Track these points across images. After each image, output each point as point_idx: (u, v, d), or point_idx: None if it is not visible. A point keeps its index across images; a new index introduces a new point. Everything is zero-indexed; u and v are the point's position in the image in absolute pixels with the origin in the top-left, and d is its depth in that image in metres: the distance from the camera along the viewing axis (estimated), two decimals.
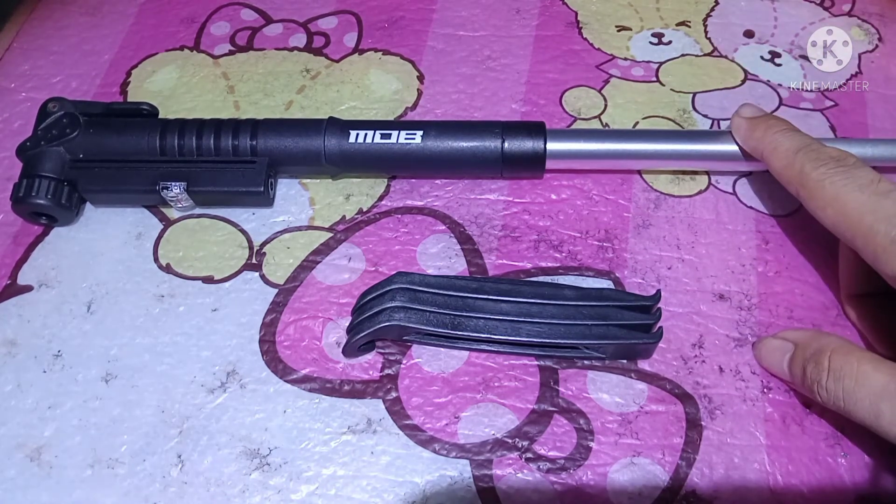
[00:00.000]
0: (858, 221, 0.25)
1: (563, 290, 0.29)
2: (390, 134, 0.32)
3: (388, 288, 0.29)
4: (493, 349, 0.29)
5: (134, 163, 0.32)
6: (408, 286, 0.29)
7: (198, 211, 0.33)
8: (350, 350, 0.29)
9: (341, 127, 0.32)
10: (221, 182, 0.31)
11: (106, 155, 0.32)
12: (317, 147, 0.32)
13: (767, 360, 0.28)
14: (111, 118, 0.33)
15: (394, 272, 0.30)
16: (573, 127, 0.36)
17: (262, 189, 0.31)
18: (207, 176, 0.31)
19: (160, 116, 0.34)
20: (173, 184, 0.31)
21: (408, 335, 0.29)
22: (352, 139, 0.32)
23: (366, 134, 0.32)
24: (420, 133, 0.32)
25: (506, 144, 0.31)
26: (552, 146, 0.32)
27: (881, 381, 0.23)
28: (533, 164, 0.32)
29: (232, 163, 0.32)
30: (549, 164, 0.32)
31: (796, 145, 0.28)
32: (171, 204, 0.32)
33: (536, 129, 0.32)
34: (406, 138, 0.32)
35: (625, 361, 0.29)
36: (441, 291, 0.28)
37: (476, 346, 0.29)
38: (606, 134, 0.34)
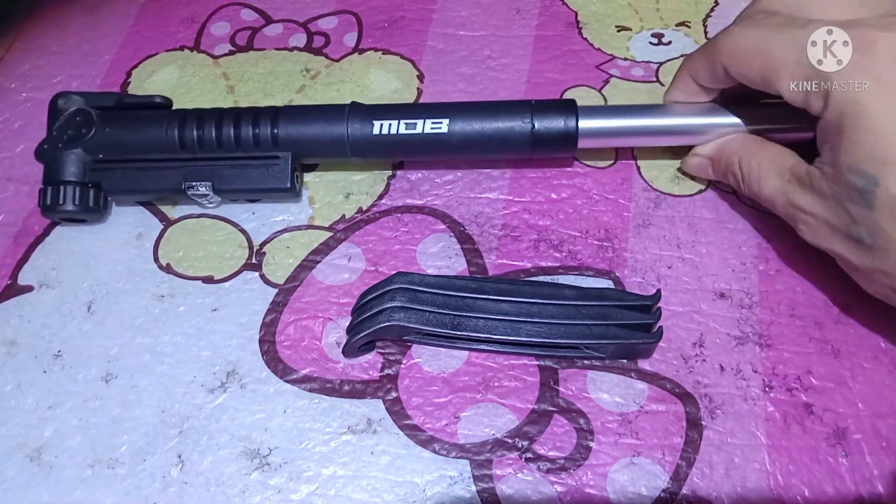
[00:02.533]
0: (780, 60, 0.26)
1: (563, 290, 0.29)
2: (415, 124, 0.31)
3: (388, 288, 0.29)
4: (493, 349, 0.29)
5: (155, 161, 0.31)
6: (407, 286, 0.29)
7: (197, 211, 0.33)
8: (350, 350, 0.29)
9: (364, 115, 0.31)
10: (248, 180, 0.31)
11: (125, 152, 0.32)
12: (340, 134, 0.31)
13: (696, 173, 0.33)
14: (125, 112, 0.32)
15: (394, 272, 0.30)
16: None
17: (288, 185, 0.31)
18: (233, 174, 0.31)
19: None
20: (199, 183, 0.31)
21: (408, 335, 0.29)
22: (376, 130, 0.31)
23: (390, 124, 0.31)
24: (446, 121, 0.31)
25: (536, 124, 0.31)
26: (584, 124, 0.31)
27: (774, 183, 0.28)
28: (565, 143, 0.31)
29: (256, 158, 0.31)
30: (582, 143, 0.31)
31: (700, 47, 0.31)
32: (198, 202, 0.32)
33: (568, 107, 0.31)
34: (432, 127, 0.31)
35: (625, 361, 0.29)
36: (441, 291, 0.28)
37: (476, 346, 0.29)
38: (639, 110, 0.32)
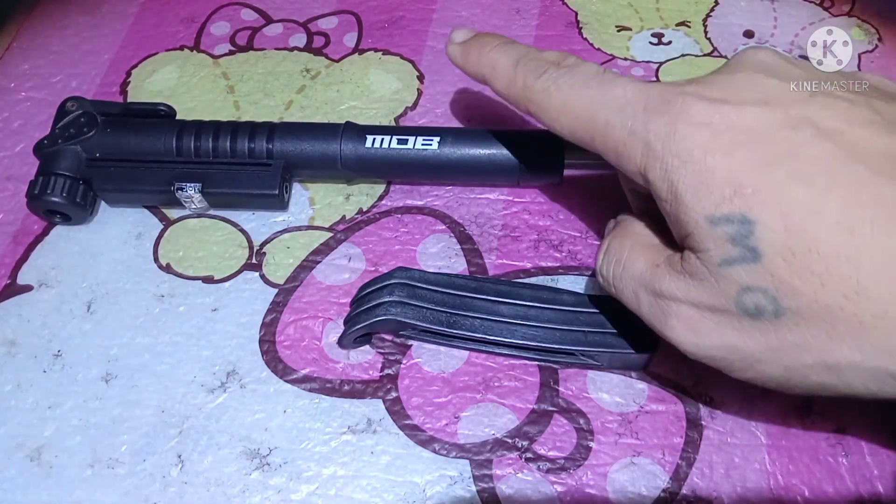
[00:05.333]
0: (593, 119, 0.23)
1: (563, 296, 0.29)
2: (407, 140, 0.32)
3: (388, 282, 0.29)
4: (488, 350, 0.29)
5: (150, 163, 0.32)
6: (407, 281, 0.29)
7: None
8: (346, 341, 0.29)
9: (358, 131, 0.32)
10: (236, 184, 0.31)
11: (122, 154, 0.32)
12: (333, 151, 0.32)
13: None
14: (129, 118, 0.33)
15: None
16: None
17: (276, 192, 0.31)
18: (222, 177, 0.31)
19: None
20: (188, 185, 0.31)
21: (404, 330, 0.29)
22: (368, 144, 0.32)
23: (382, 139, 0.32)
24: (437, 139, 0.32)
25: (523, 152, 0.31)
26: (571, 152, 0.31)
27: (640, 269, 0.23)
28: (551, 171, 0.32)
29: (247, 165, 0.32)
30: (568, 172, 0.32)
31: (514, 58, 0.26)
32: (185, 204, 0.32)
33: (555, 136, 0.31)
34: (423, 144, 0.31)
35: None
36: (439, 289, 0.28)
37: (472, 346, 0.29)
38: None
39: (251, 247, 0.32)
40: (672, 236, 0.23)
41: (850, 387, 0.20)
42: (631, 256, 0.24)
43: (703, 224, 0.21)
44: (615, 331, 0.28)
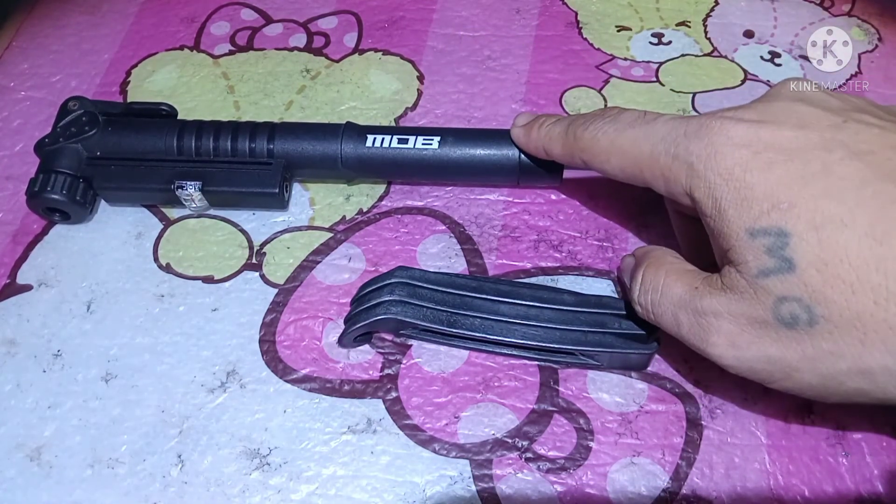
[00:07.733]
0: (639, 153, 0.25)
1: (563, 295, 0.29)
2: (407, 139, 0.32)
3: (388, 281, 0.29)
4: (488, 349, 0.29)
5: (150, 161, 0.32)
6: (407, 280, 0.29)
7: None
8: (346, 340, 0.29)
9: (359, 131, 0.32)
10: (236, 182, 0.31)
11: (123, 153, 0.32)
12: (333, 151, 0.32)
13: (622, 279, 0.29)
14: (130, 118, 0.33)
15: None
16: None
17: (276, 190, 0.31)
18: (222, 176, 0.31)
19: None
20: (188, 183, 0.31)
21: (404, 329, 0.29)
22: (368, 143, 0.32)
23: (383, 139, 0.32)
24: (437, 139, 0.32)
25: (523, 153, 0.31)
26: None
27: (678, 292, 0.24)
28: (551, 172, 0.32)
29: (248, 164, 0.32)
30: (568, 173, 0.32)
31: (565, 124, 0.28)
32: (185, 203, 0.32)
33: None
34: (423, 144, 0.32)
35: None
36: (440, 288, 0.28)
37: (471, 346, 0.29)
38: None
39: (251, 247, 0.32)
40: (704, 262, 0.25)
41: (886, 392, 0.21)
42: (668, 282, 0.25)
43: (744, 236, 0.22)
44: (615, 330, 0.28)
